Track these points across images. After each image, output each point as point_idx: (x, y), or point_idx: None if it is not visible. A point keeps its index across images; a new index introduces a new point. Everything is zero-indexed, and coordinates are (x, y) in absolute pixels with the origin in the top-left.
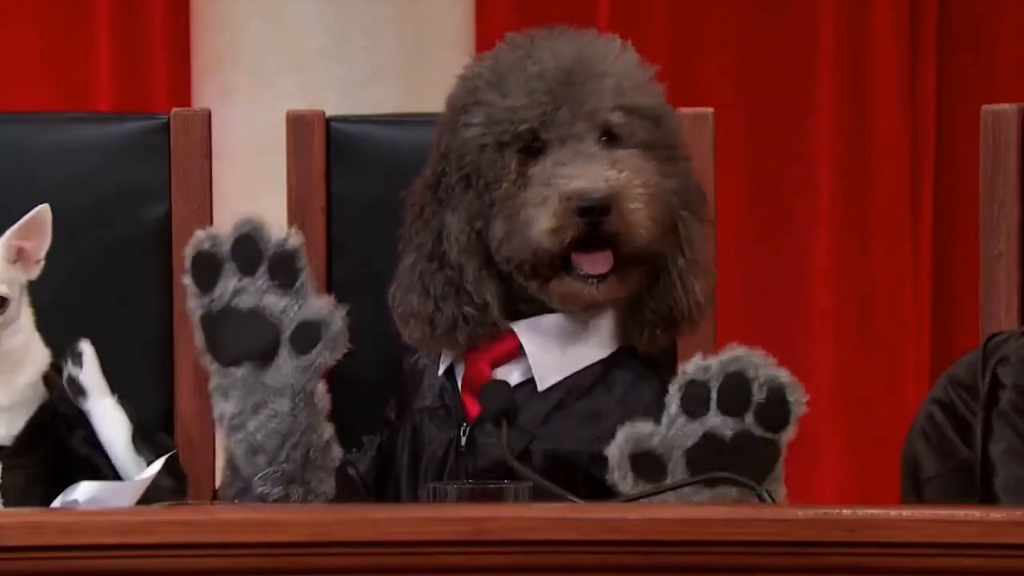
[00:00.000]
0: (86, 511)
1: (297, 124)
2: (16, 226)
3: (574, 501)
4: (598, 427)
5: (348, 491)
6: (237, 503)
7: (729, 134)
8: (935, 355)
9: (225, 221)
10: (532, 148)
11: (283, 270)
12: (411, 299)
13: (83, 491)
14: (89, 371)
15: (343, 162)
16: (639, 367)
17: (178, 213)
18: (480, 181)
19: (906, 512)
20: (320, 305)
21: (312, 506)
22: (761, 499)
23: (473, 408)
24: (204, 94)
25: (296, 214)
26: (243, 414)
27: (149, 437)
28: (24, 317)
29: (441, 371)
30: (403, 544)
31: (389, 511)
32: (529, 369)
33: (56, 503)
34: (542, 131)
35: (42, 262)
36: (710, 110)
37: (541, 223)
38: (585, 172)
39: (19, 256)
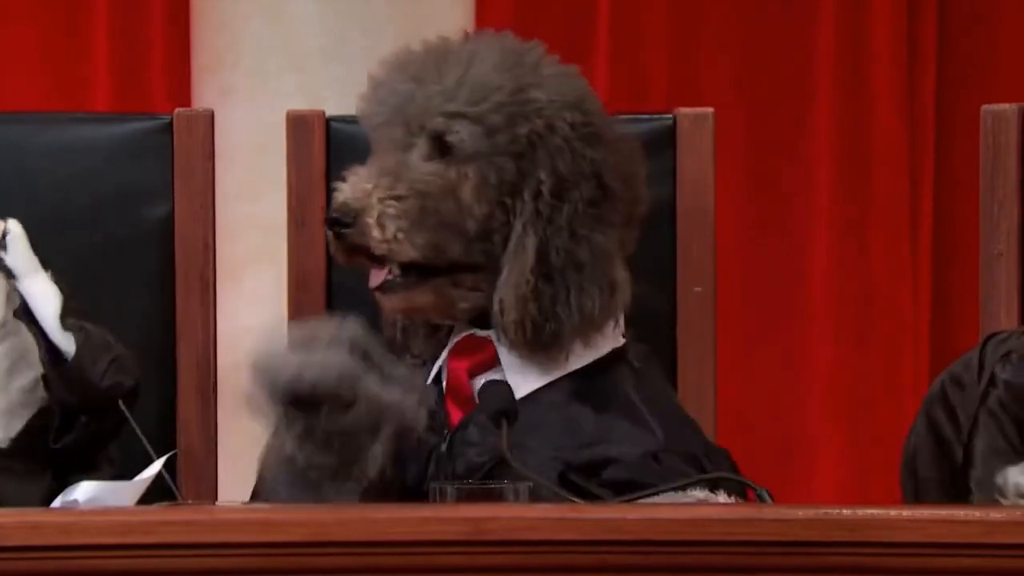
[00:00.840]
0: (86, 511)
1: (297, 124)
2: None
3: (573, 501)
4: (578, 436)
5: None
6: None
7: (728, 134)
8: (935, 355)
9: (225, 221)
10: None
11: None
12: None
13: (83, 491)
14: (16, 253)
15: (343, 162)
16: (620, 374)
17: (180, 213)
18: None
19: (906, 512)
20: None
21: (312, 506)
22: (761, 499)
23: (455, 415)
24: (204, 94)
25: (296, 214)
26: None
27: (76, 315)
28: (14, 322)
29: (430, 379)
30: (403, 544)
31: (389, 511)
32: (505, 378)
33: (56, 503)
34: (372, 137)
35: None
36: (710, 110)
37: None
38: (349, 185)
39: None
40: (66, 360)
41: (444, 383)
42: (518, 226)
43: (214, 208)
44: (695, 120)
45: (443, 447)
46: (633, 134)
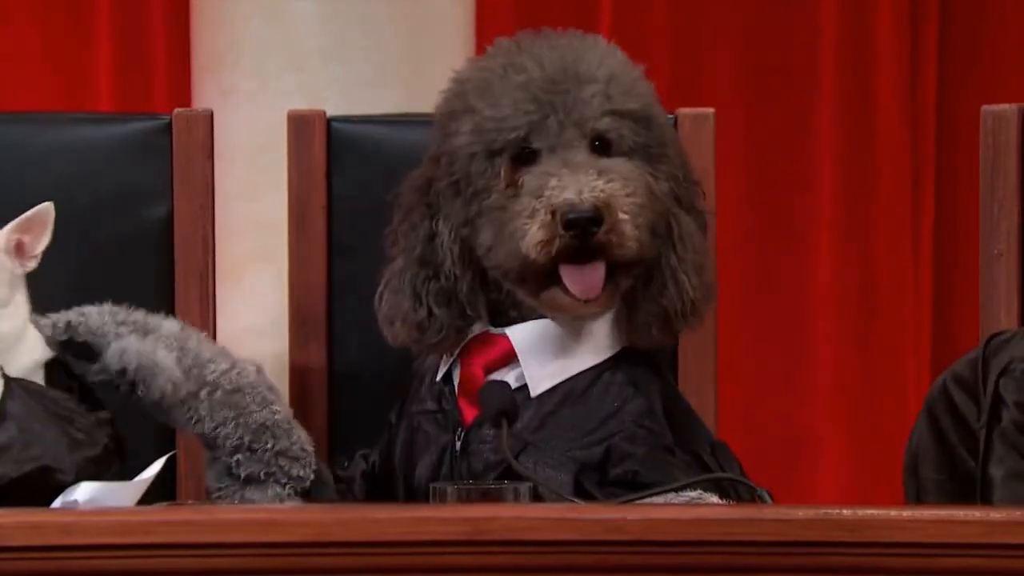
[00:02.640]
0: (86, 511)
1: (298, 124)
2: (19, 219)
3: (574, 502)
4: (592, 434)
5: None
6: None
7: (730, 134)
8: (936, 355)
9: (225, 221)
10: (522, 156)
11: None
12: (400, 303)
13: (83, 491)
14: None
15: (344, 162)
16: (637, 370)
17: (180, 214)
18: (469, 189)
19: (907, 512)
20: None
21: (313, 506)
22: (761, 500)
23: (469, 413)
24: (204, 94)
25: (297, 214)
26: None
27: None
28: (16, 306)
29: (440, 376)
30: (403, 544)
31: (389, 511)
32: (523, 374)
33: (56, 503)
34: (532, 140)
35: (38, 258)
36: (711, 110)
37: (530, 236)
38: (574, 183)
39: (16, 248)
40: None
41: (456, 381)
42: (681, 213)
43: (214, 208)
44: (696, 120)
45: (457, 445)
46: None
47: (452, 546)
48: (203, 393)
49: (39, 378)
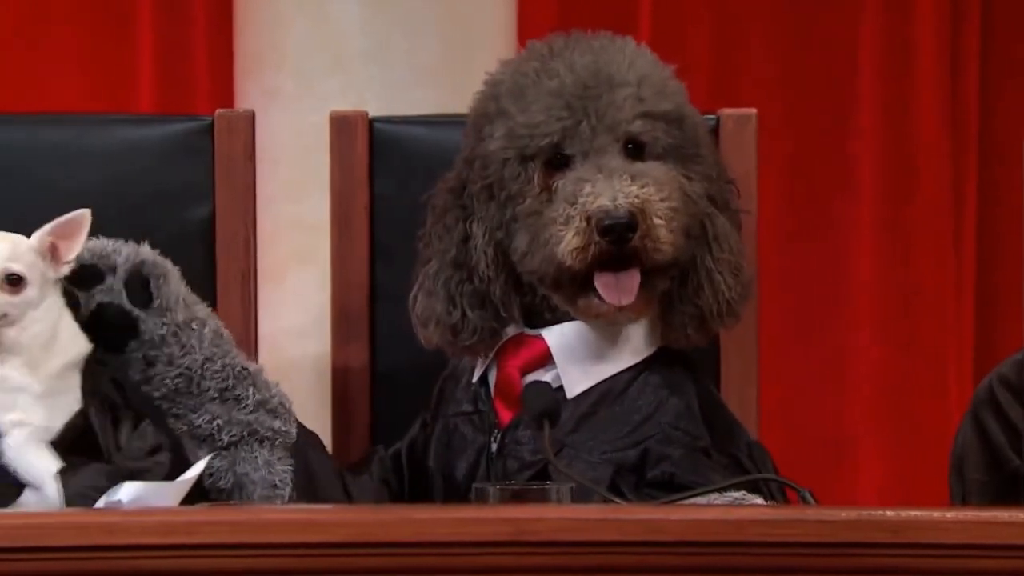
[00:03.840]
0: (130, 511)
1: (340, 125)
2: (55, 222)
3: (616, 502)
4: (628, 436)
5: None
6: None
7: (772, 135)
8: (978, 355)
9: (268, 222)
10: (556, 161)
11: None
12: (434, 305)
13: (127, 491)
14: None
15: (386, 163)
16: (673, 371)
17: (222, 215)
18: (503, 193)
19: (949, 514)
20: None
21: (354, 507)
22: (803, 500)
23: (505, 414)
24: (247, 95)
25: (339, 215)
26: None
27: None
28: (46, 309)
29: (476, 377)
30: (444, 545)
31: (430, 512)
32: (559, 376)
33: (100, 503)
34: (565, 145)
35: (71, 265)
36: (753, 111)
37: (565, 242)
38: (608, 189)
39: (51, 251)
40: None
41: (492, 383)
42: (716, 213)
43: (255, 209)
44: (738, 121)
45: (493, 446)
46: None
47: (494, 547)
48: (195, 324)
49: (75, 378)
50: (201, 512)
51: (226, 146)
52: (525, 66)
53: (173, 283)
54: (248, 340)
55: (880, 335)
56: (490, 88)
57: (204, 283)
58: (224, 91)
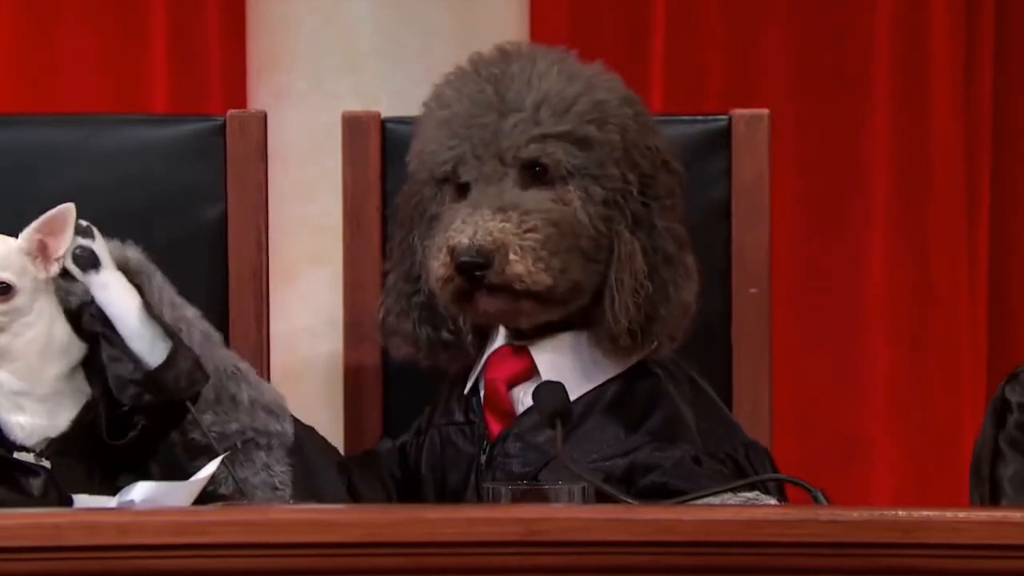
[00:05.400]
0: (142, 511)
1: (353, 125)
2: (39, 220)
3: (628, 502)
4: (615, 446)
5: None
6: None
7: (784, 134)
8: (992, 355)
9: (280, 223)
10: (461, 187)
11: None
12: (392, 318)
13: (139, 491)
14: (100, 243)
15: (399, 164)
16: (660, 379)
17: (234, 215)
18: (426, 213)
19: (962, 514)
20: None
21: (365, 507)
22: (816, 500)
23: (495, 426)
24: (260, 96)
25: (351, 215)
26: None
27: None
28: (38, 314)
29: (467, 389)
30: (456, 545)
31: (441, 512)
32: None
33: (112, 502)
34: (460, 172)
35: (60, 263)
36: (765, 111)
37: (434, 271)
38: (471, 225)
39: (40, 251)
40: (147, 365)
41: (482, 394)
42: (624, 233)
43: (268, 209)
44: (750, 121)
45: (483, 458)
46: (688, 136)
47: (505, 547)
48: (182, 324)
49: (80, 380)
50: (213, 512)
51: (238, 146)
52: (435, 91)
53: (157, 283)
54: (260, 340)
55: (893, 335)
56: (422, 108)
57: (216, 283)
58: (237, 92)
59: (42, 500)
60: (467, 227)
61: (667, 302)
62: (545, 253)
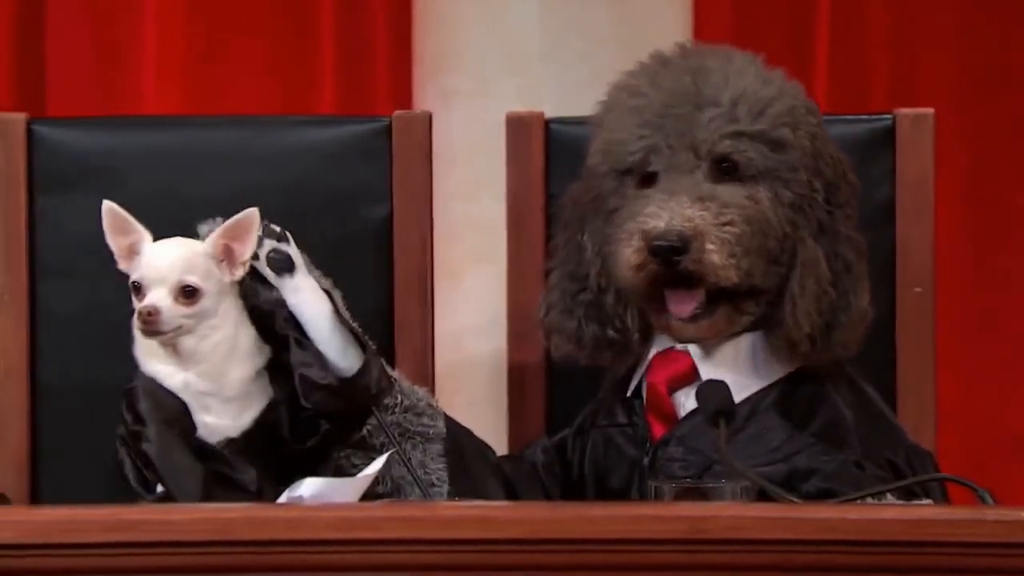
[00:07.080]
0: (311, 506)
1: (516, 126)
2: (225, 224)
3: (792, 501)
4: (776, 451)
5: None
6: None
7: (949, 134)
8: None
9: (444, 222)
10: (647, 177)
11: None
12: (556, 316)
13: (308, 487)
14: (294, 247)
15: (562, 164)
16: (822, 383)
17: (399, 215)
18: (605, 206)
19: None
20: None
21: (530, 503)
22: (983, 500)
23: (657, 429)
24: (426, 96)
25: (515, 216)
26: None
27: (344, 322)
28: (223, 316)
29: (630, 391)
30: (619, 542)
31: (606, 509)
32: None
33: (282, 499)
34: (651, 162)
35: (247, 264)
36: (930, 111)
37: (624, 258)
38: (667, 211)
39: (225, 255)
40: (338, 371)
41: (644, 397)
42: (807, 239)
43: (432, 209)
44: (915, 121)
45: (645, 461)
46: (852, 135)
47: (669, 544)
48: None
49: (264, 384)
50: (382, 508)
51: (403, 147)
52: (625, 81)
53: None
54: (425, 339)
55: None
56: (603, 100)
57: (381, 283)
58: (403, 93)
59: (258, 495)
60: (663, 212)
61: (847, 310)
62: (739, 249)
